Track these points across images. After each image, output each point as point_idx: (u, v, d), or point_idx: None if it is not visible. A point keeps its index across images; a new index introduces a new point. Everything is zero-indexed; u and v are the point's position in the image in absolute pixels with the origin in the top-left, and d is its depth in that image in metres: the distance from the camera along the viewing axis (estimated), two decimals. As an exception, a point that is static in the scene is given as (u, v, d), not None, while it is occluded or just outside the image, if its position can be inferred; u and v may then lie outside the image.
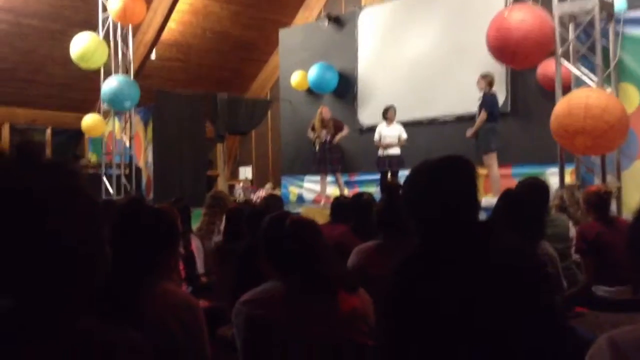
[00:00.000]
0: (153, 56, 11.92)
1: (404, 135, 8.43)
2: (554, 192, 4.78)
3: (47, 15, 10.65)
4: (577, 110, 5.31)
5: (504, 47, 6.23)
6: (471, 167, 1.63)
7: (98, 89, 9.51)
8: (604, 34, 6.01)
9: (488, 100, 7.23)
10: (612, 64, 6.01)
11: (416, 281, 1.53)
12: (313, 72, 10.41)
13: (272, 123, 13.48)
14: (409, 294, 1.52)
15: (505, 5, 7.23)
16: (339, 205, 4.35)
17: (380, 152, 8.45)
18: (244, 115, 11.29)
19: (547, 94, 6.96)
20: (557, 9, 6.04)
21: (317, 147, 9.06)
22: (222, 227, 4.64)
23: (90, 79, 10.52)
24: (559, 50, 6.07)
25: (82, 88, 11.73)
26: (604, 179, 5.85)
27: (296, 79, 10.89)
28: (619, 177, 6.01)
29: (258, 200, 8.11)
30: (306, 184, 10.96)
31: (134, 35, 9.97)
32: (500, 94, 7.93)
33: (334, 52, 10.67)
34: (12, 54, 10.83)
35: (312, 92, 10.82)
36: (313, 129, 9.12)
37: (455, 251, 1.53)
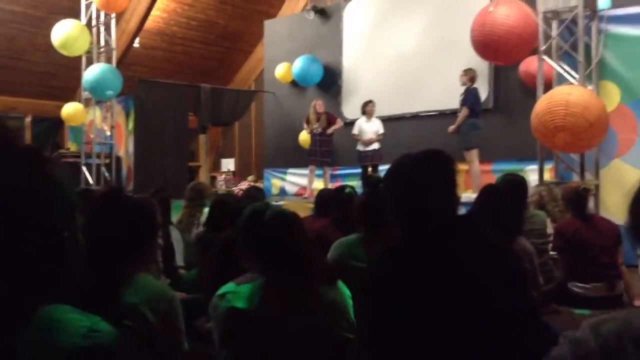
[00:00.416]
0: (136, 44, 11.80)
1: (381, 130, 8.46)
2: (532, 188, 4.82)
3: (29, 1, 10.49)
4: (558, 107, 5.35)
5: (487, 43, 6.25)
6: (450, 161, 1.65)
7: (79, 77, 9.41)
8: (587, 32, 6.06)
9: (469, 96, 7.26)
10: (594, 62, 6.07)
11: (396, 273, 1.54)
12: (298, 64, 10.38)
13: (255, 115, 13.43)
14: (388, 286, 1.53)
15: (490, 0, 7.25)
16: (322, 198, 4.35)
17: (361, 147, 8.47)
18: (227, 107, 11.24)
19: (529, 91, 7.01)
20: (541, 5, 6.08)
21: (310, 139, 9.06)
22: (202, 219, 4.62)
23: (71, 67, 10.40)
24: (542, 47, 6.11)
25: (64, 76, 11.60)
26: (582, 177, 5.91)
27: (281, 71, 10.85)
28: (597, 175, 6.08)
29: (240, 192, 8.08)
30: (289, 177, 10.95)
31: (117, 23, 9.86)
32: (483, 90, 7.98)
33: (319, 44, 10.65)
34: (-8, 40, 10.69)
35: (297, 85, 10.80)
36: (308, 121, 9.10)
37: (435, 244, 1.54)
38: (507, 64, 7.07)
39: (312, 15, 10.75)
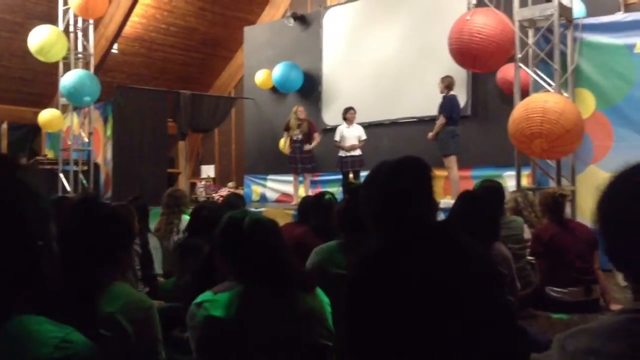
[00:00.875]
0: (115, 50, 11.71)
1: (363, 136, 8.49)
2: (509, 194, 4.88)
3: (6, 6, 10.37)
4: (535, 114, 5.43)
5: (465, 51, 6.32)
6: (427, 168, 1.67)
7: (57, 83, 9.31)
8: (563, 40, 6.16)
9: (447, 104, 7.31)
10: (570, 69, 6.16)
11: (373, 279, 1.55)
12: (278, 71, 10.39)
13: (235, 121, 13.40)
14: (366, 292, 1.54)
15: (468, 8, 7.33)
16: (304, 205, 4.34)
17: (343, 153, 8.49)
18: (207, 113, 11.19)
19: (506, 98, 7.09)
20: (518, 14, 6.17)
21: (290, 147, 9.01)
22: (181, 226, 4.58)
23: (49, 73, 10.30)
24: (519, 55, 6.19)
25: (41, 82, 11.46)
26: (559, 183, 5.99)
27: (261, 77, 10.85)
28: (573, 181, 6.16)
29: (220, 199, 8.05)
30: (269, 183, 10.93)
31: (95, 29, 9.78)
32: (462, 97, 8.05)
33: (299, 51, 10.66)
34: (-33, 45, 10.53)
35: (277, 91, 10.80)
36: (287, 129, 9.06)
37: (412, 250, 1.55)
38: (484, 71, 7.16)
39: (292, 22, 10.77)
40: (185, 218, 4.54)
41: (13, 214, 0.93)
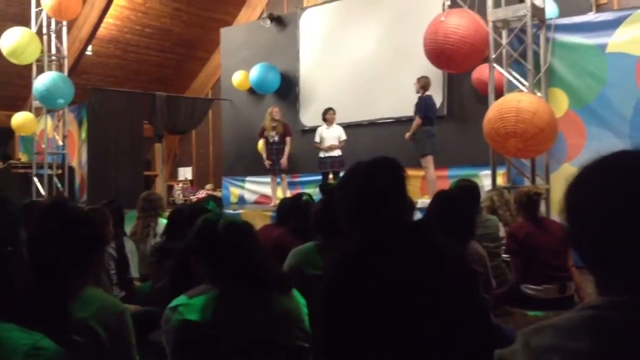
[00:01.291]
0: (89, 52, 11.58)
1: (343, 137, 8.51)
2: (484, 193, 4.92)
3: (-24, 8, 10.19)
4: (509, 114, 5.49)
5: (440, 52, 6.37)
6: (400, 168, 1.68)
7: (30, 86, 9.17)
8: (536, 40, 6.23)
9: (422, 104, 7.36)
10: (543, 69, 6.24)
11: (348, 279, 1.56)
12: (255, 72, 10.37)
13: (213, 123, 13.33)
14: (341, 292, 1.55)
15: (443, 9, 7.39)
16: (283, 206, 4.33)
17: (322, 153, 8.50)
18: (183, 115, 11.12)
19: (481, 98, 7.16)
20: (491, 15, 6.23)
21: (265, 149, 8.92)
22: (158, 229, 4.54)
23: (21, 76, 10.14)
24: (492, 55, 6.26)
25: (13, 85, 11.28)
26: (533, 181, 6.06)
27: (238, 78, 10.81)
28: (547, 180, 6.24)
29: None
30: (247, 185, 10.89)
31: (69, 31, 9.66)
32: (438, 97, 8.11)
33: (276, 52, 10.65)
34: (-64, 47, 10.29)
35: (254, 92, 10.77)
36: (261, 133, 8.97)
37: (387, 250, 1.56)
38: (459, 72, 7.22)
39: (268, 23, 10.76)
40: (162, 221, 4.50)
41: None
